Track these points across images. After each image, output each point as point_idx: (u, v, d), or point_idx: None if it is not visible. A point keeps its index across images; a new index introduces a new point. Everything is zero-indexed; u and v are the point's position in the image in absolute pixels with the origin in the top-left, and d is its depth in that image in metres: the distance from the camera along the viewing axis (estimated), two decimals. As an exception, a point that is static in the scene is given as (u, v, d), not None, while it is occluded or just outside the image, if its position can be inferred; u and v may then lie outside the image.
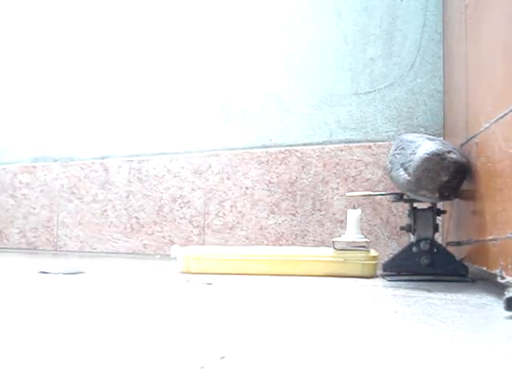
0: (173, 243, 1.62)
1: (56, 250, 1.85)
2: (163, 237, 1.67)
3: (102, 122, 1.82)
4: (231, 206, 1.58)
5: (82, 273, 1.10)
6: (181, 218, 1.65)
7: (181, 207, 1.65)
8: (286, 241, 1.50)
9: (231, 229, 1.57)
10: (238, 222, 1.56)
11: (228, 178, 1.59)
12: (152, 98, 1.74)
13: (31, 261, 1.45)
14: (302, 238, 1.48)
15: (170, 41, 1.72)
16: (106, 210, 1.77)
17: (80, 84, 1.86)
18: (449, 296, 0.79)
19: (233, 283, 0.95)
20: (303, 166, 1.50)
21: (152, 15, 1.75)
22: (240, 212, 1.56)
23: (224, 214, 1.59)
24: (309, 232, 1.47)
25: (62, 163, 1.87)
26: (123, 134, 1.78)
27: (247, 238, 1.55)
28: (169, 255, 1.24)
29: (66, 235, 1.83)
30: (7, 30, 2.02)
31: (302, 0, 1.55)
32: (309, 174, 1.49)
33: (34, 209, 1.90)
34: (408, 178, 0.89)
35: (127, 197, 1.74)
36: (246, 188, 1.56)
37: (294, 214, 1.50)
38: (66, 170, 1.86)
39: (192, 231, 1.63)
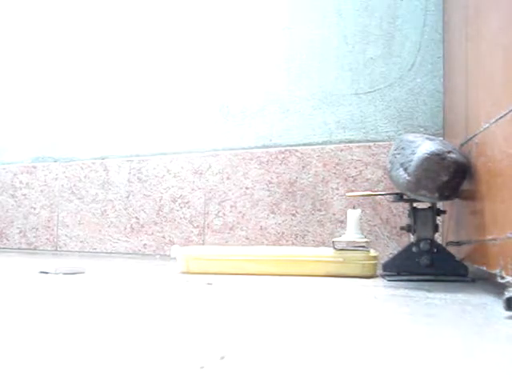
0: (173, 243, 1.62)
1: (56, 249, 1.85)
2: (163, 237, 1.67)
3: (102, 122, 1.82)
4: (231, 206, 1.58)
5: (82, 273, 1.10)
6: (181, 218, 1.65)
7: (181, 207, 1.65)
8: (286, 241, 1.50)
9: (231, 229, 1.57)
10: (238, 222, 1.57)
11: (228, 178, 1.59)
12: (152, 98, 1.74)
13: (31, 261, 1.45)
14: (302, 238, 1.48)
15: (170, 41, 1.72)
16: (105, 210, 1.77)
17: (80, 84, 1.87)
18: (449, 296, 0.79)
19: (233, 283, 0.95)
20: (303, 166, 1.50)
21: (152, 16, 1.75)
22: (240, 212, 1.56)
23: (224, 214, 1.59)
24: (309, 232, 1.47)
25: (62, 163, 1.87)
26: (123, 134, 1.78)
27: (247, 238, 1.55)
28: (169, 255, 1.24)
29: (66, 235, 1.83)
30: (10, 31, 2.02)
31: (301, 0, 1.55)
32: (309, 173, 1.49)
33: (34, 209, 1.90)
34: (408, 177, 0.89)
35: (127, 197, 1.74)
36: (246, 188, 1.56)
37: (294, 214, 1.50)
38: (66, 170, 1.86)
39: (192, 231, 1.63)
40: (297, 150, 1.52)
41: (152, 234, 1.69)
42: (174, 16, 1.72)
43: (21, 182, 1.94)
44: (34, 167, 1.92)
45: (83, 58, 1.86)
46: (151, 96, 1.74)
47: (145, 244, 1.70)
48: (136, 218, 1.72)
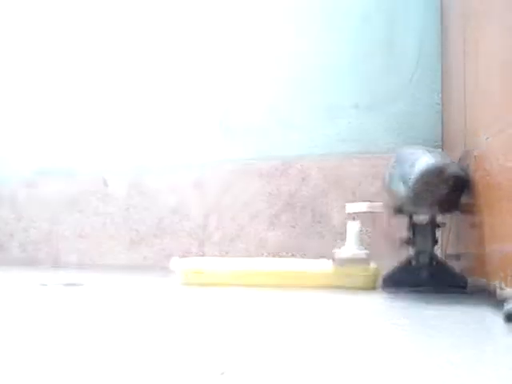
0: (172, 256, 1.62)
1: (56, 263, 1.85)
2: (163, 249, 1.67)
3: (103, 135, 1.83)
4: (231, 219, 1.58)
5: (81, 285, 1.10)
6: (180, 231, 1.65)
7: (180, 220, 1.65)
8: (286, 253, 1.50)
9: (231, 241, 1.57)
10: (237, 235, 1.57)
11: (227, 191, 1.59)
12: (152, 112, 1.75)
13: (31, 274, 1.45)
14: (302, 250, 1.48)
15: (169, 53, 1.73)
16: (105, 223, 1.77)
17: (80, 98, 1.87)
18: (448, 308, 0.79)
19: (232, 296, 0.95)
20: (303, 178, 1.51)
21: (151, 27, 1.76)
22: (239, 224, 1.57)
23: (223, 227, 1.59)
24: (309, 244, 1.48)
25: (62, 176, 1.88)
26: (123, 147, 1.79)
27: (247, 251, 1.54)
28: (169, 268, 1.24)
29: (66, 248, 1.83)
30: (9, 40, 2.03)
31: (303, 13, 1.56)
32: (308, 186, 1.50)
33: (35, 222, 1.90)
34: (407, 190, 0.90)
35: (127, 209, 1.74)
36: (246, 200, 1.57)
37: (293, 226, 1.50)
38: (67, 183, 1.86)
39: (192, 243, 1.63)
40: (297, 162, 1.52)
41: (152, 246, 1.69)
42: (174, 28, 1.73)
43: (21, 196, 1.94)
44: (35, 181, 1.92)
45: (83, 72, 1.87)
46: (151, 110, 1.75)
47: (145, 256, 1.70)
48: (136, 230, 1.72)
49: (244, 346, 0.53)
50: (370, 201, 1.40)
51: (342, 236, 1.41)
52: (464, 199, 0.93)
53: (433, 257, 1.01)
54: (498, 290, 0.73)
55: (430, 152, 0.94)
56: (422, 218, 1.05)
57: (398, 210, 1.04)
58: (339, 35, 1.51)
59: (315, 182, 1.49)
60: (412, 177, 0.89)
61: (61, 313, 0.75)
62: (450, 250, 1.16)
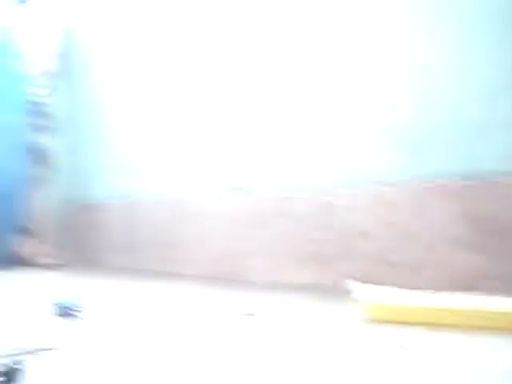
0: (354, 279, 1.52)
1: (237, 280, 1.86)
2: (344, 272, 1.58)
3: (284, 154, 1.80)
4: (418, 243, 1.43)
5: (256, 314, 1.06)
6: (363, 253, 1.55)
7: (364, 241, 1.55)
8: (483, 286, 1.31)
9: (417, 268, 1.43)
10: (425, 261, 1.42)
11: (416, 212, 1.45)
12: (331, 127, 1.67)
13: (213, 293, 1.47)
14: (503, 284, 1.28)
15: (343, 74, 1.64)
16: (286, 241, 1.74)
17: (260, 119, 1.87)
18: None
19: (429, 346, 0.82)
20: (505, 200, 1.31)
21: (317, 47, 1.69)
22: (428, 249, 1.41)
23: (410, 252, 1.45)
24: (509, 274, 1.27)
25: (245, 194, 1.90)
26: (305, 166, 1.74)
27: (437, 280, 1.39)
28: (349, 292, 1.15)
29: (246, 266, 1.84)
30: (203, 63, 2.12)
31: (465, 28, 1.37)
32: (509, 207, 1.30)
33: (216, 238, 1.95)
34: None
35: (310, 229, 1.68)
36: (437, 223, 1.41)
37: (492, 255, 1.31)
38: (250, 200, 1.87)
39: (374, 268, 1.51)
40: (496, 182, 1.33)
41: (332, 267, 1.61)
42: (333, 42, 1.64)
43: (205, 211, 2.01)
44: (219, 197, 1.98)
45: (265, 95, 1.87)
46: (330, 125, 1.68)
47: (324, 278, 1.63)
48: (316, 250, 1.66)
49: None
50: None
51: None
52: None
53: None
54: None
55: None
56: None
57: None
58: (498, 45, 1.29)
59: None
60: None
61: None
62: None
